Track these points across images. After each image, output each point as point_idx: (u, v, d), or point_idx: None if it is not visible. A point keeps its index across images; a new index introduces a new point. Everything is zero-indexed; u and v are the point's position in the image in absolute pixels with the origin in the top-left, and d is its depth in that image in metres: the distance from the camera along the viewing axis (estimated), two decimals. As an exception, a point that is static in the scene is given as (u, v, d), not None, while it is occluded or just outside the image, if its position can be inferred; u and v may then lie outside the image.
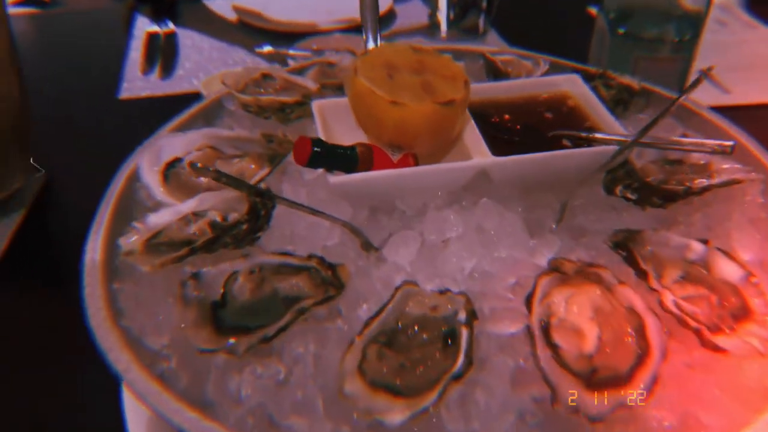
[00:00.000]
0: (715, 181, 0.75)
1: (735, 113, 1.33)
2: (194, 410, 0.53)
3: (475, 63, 1.04)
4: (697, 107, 0.94)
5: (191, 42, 1.81)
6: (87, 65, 1.73)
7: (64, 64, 1.74)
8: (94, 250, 0.70)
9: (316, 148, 0.66)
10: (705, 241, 0.66)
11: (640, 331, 0.57)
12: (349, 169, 0.69)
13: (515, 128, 0.79)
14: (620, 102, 0.90)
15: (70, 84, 1.62)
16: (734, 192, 0.78)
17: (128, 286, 0.67)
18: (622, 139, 0.73)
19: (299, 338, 0.59)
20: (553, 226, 0.71)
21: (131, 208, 0.77)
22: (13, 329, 0.87)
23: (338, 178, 0.69)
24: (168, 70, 1.66)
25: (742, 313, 0.61)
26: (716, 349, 0.58)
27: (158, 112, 1.44)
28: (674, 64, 1.24)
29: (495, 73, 0.97)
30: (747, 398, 0.57)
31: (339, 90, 0.95)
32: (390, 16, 1.93)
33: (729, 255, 0.65)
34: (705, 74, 0.65)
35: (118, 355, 0.58)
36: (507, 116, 0.80)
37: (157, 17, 1.89)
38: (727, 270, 0.64)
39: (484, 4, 1.63)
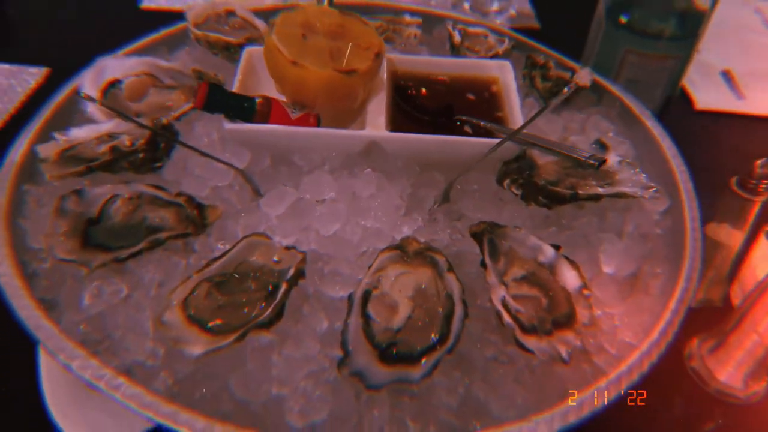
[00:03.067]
0: (606, 191, 0.76)
1: (742, 122, 1.32)
2: (40, 309, 0.61)
3: (442, 31, 1.05)
4: (640, 112, 0.93)
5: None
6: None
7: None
8: (16, 152, 0.77)
9: (211, 93, 0.70)
10: (557, 247, 0.68)
11: (448, 318, 0.61)
12: (246, 118, 0.74)
13: (427, 106, 0.81)
14: (557, 95, 0.90)
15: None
16: (633, 205, 0.79)
17: (36, 189, 0.75)
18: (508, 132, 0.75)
19: (150, 265, 0.65)
20: (434, 205, 0.74)
21: (67, 119, 0.84)
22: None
23: (232, 126, 0.73)
24: (192, -18, 1.70)
25: (566, 322, 0.64)
26: (523, 348, 0.61)
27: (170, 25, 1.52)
28: (665, 62, 1.20)
29: (452, 46, 0.98)
30: (542, 396, 0.61)
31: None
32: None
33: (574, 264, 0.67)
34: (576, 85, 0.64)
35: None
36: (424, 91, 0.82)
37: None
38: (568, 278, 0.66)
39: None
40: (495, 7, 1.71)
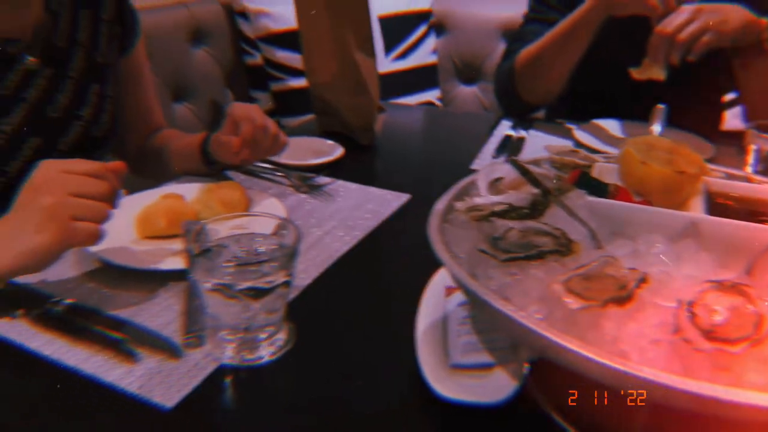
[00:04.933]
0: None
1: None
2: (462, 269, 0.97)
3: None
4: None
5: (533, 149, 2.35)
6: (461, 147, 2.42)
7: (449, 143, 2.50)
8: (440, 205, 1.20)
9: (581, 176, 1.07)
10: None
11: (758, 324, 0.83)
12: (601, 196, 1.09)
13: (735, 212, 1.08)
14: None
15: (444, 156, 2.33)
16: None
17: (450, 227, 1.15)
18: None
19: (536, 266, 0.99)
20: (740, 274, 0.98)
21: (466, 194, 1.27)
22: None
23: (592, 198, 1.09)
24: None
25: None
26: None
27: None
28: None
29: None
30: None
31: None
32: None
33: None
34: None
35: (442, 253, 1.05)
36: (731, 203, 1.10)
37: (516, 126, 2.50)
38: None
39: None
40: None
